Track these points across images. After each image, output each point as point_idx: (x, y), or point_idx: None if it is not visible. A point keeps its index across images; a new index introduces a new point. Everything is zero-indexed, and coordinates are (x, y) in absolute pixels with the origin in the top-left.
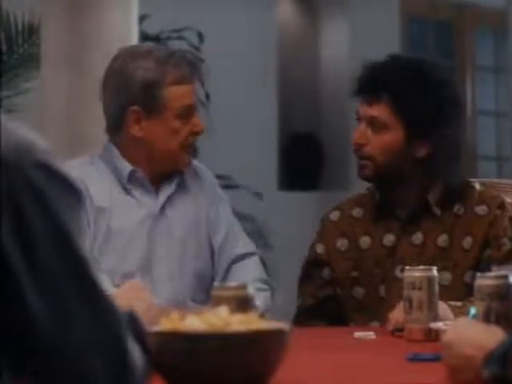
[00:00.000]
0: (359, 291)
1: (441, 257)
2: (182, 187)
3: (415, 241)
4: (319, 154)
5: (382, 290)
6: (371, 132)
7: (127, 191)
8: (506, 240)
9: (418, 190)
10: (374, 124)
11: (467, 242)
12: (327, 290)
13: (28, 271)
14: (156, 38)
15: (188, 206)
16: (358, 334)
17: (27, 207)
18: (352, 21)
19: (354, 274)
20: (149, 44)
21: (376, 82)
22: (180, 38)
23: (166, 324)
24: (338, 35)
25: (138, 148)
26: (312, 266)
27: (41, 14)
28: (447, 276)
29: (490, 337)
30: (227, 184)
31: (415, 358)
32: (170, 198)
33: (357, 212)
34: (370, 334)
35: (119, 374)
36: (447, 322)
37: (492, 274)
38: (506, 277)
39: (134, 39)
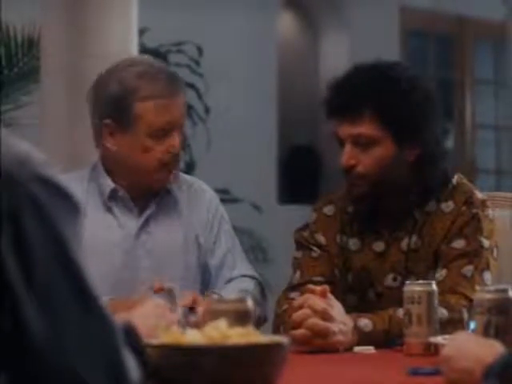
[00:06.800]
0: (351, 297)
1: (413, 259)
2: (166, 207)
3: (403, 247)
4: (319, 167)
5: (371, 294)
6: (359, 151)
7: (108, 209)
8: (460, 240)
9: (406, 194)
10: (361, 142)
11: (430, 241)
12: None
13: (26, 283)
14: (155, 52)
15: (171, 228)
16: (357, 348)
17: (27, 220)
18: (352, 34)
19: (349, 278)
20: (140, 57)
21: (354, 98)
22: (179, 51)
23: (166, 337)
24: (337, 48)
25: (116, 163)
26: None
27: (40, 27)
28: (412, 279)
29: (489, 350)
30: (226, 198)
31: (415, 372)
32: (150, 219)
33: (351, 209)
34: (370, 349)
35: None
36: (446, 336)
37: (491, 287)
38: (505, 291)
39: (133, 52)
